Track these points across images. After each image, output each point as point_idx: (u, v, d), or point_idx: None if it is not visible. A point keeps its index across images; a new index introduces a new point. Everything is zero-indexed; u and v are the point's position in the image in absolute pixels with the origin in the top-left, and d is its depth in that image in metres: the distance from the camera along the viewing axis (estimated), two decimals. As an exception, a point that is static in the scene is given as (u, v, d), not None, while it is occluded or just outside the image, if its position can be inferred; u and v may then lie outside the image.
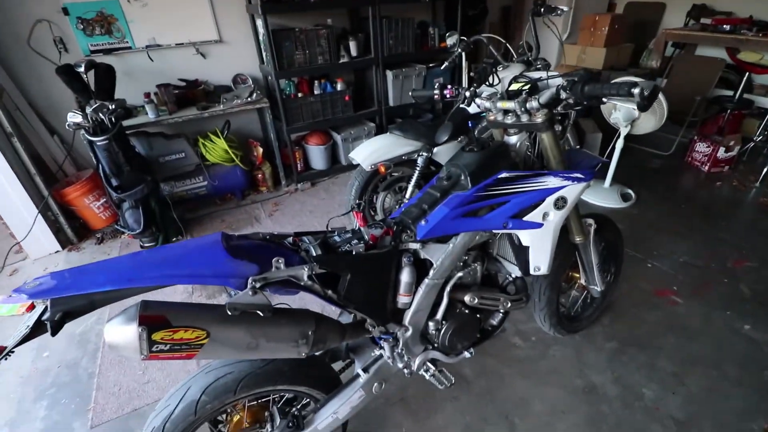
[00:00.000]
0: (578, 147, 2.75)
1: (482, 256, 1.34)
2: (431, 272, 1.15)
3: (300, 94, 3.22)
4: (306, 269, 0.92)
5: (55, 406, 1.72)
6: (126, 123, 2.74)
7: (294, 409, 1.18)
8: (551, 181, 1.17)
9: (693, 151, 3.42)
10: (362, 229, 1.10)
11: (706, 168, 3.31)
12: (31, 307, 0.79)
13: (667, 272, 2.22)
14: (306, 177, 3.53)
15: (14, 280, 2.59)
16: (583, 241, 1.46)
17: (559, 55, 4.51)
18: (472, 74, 2.73)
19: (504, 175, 1.14)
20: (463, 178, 1.14)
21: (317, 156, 3.51)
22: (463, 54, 2.76)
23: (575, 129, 2.90)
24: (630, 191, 2.98)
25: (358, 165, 2.25)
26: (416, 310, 1.16)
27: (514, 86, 1.29)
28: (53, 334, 0.74)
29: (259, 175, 3.38)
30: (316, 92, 3.27)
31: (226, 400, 1.02)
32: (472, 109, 2.35)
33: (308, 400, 1.21)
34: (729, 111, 3.56)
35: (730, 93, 3.62)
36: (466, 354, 1.34)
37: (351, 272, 1.00)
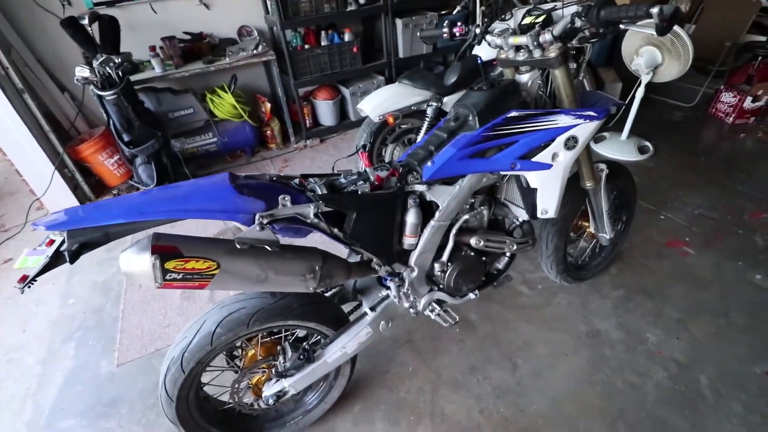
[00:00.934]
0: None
1: (489, 200, 1.33)
2: (437, 214, 1.15)
3: (307, 46, 3.12)
4: (312, 207, 0.93)
5: (83, 347, 1.84)
6: (133, 78, 2.72)
7: (305, 343, 1.24)
8: (562, 120, 1.14)
9: (718, 101, 3.25)
10: (368, 170, 1.10)
11: (731, 119, 3.16)
12: (51, 243, 0.83)
13: (680, 224, 2.18)
14: (315, 133, 3.50)
15: (36, 235, 2.70)
16: (594, 187, 1.44)
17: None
18: (483, 8, 2.57)
19: (513, 114, 1.11)
20: (471, 117, 1.11)
21: (326, 111, 3.46)
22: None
23: (594, 77, 2.76)
24: (648, 144, 2.88)
25: (367, 116, 2.21)
26: (422, 252, 1.18)
27: (527, 20, 1.22)
28: (72, 261, 0.78)
29: (268, 132, 3.37)
30: (323, 44, 3.16)
31: (240, 332, 1.07)
32: (486, 54, 2.26)
33: (318, 336, 1.27)
34: (761, 58, 3.33)
35: (763, 39, 3.37)
36: (471, 296, 1.37)
37: (356, 211, 1.01)
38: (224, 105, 3.03)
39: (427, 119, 2.15)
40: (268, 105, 3.28)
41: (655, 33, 0.89)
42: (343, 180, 1.10)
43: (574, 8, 1.06)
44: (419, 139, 2.20)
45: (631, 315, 1.72)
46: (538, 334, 1.67)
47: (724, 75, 3.38)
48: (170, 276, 0.82)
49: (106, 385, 1.65)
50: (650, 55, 2.52)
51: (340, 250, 1.15)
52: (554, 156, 1.17)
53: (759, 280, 1.82)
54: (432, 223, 1.16)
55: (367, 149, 2.23)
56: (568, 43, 1.12)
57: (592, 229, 1.67)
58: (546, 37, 1.07)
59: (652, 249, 2.04)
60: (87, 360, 1.78)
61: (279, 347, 1.23)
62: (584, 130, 1.16)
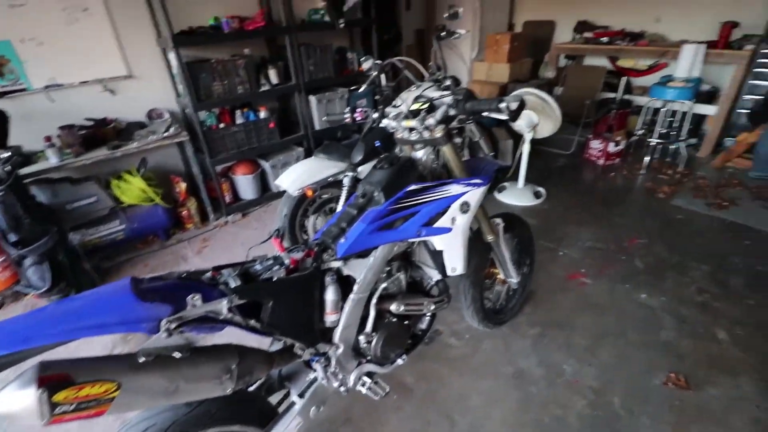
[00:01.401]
0: (492, 154, 3.00)
1: (405, 265, 1.42)
2: (355, 287, 1.20)
3: (222, 125, 3.17)
4: (225, 302, 0.92)
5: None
6: (25, 171, 2.51)
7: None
8: (454, 189, 1.30)
9: (589, 148, 3.88)
10: (282, 254, 1.13)
11: (602, 162, 3.78)
12: None
13: (576, 258, 2.48)
14: (236, 208, 3.45)
15: None
16: (494, 239, 1.61)
17: (469, 72, 4.91)
18: (377, 97, 2.91)
19: (413, 187, 1.24)
20: (376, 194, 1.22)
21: (246, 186, 3.46)
22: (382, 76, 2.93)
23: (489, 137, 3.16)
24: (541, 189, 3.30)
25: (285, 191, 2.27)
26: (345, 326, 1.20)
27: (414, 106, 1.41)
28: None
29: (184, 212, 3.24)
30: (238, 122, 3.23)
31: (154, 454, 0.97)
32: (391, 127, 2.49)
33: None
34: (614, 111, 4.11)
35: (613, 95, 4.19)
36: (400, 361, 1.40)
37: (273, 299, 1.02)
38: (132, 190, 2.89)
39: (345, 188, 2.26)
40: (183, 185, 3.20)
41: (506, 119, 1.10)
42: (258, 267, 1.11)
43: (450, 99, 1.27)
44: (338, 208, 2.30)
45: (548, 349, 1.87)
46: (470, 385, 1.73)
47: (591, 126, 4.08)
48: (60, 409, 0.73)
49: None
50: (528, 117, 2.97)
51: (260, 339, 1.13)
52: (453, 220, 1.31)
53: (644, 299, 2.11)
54: (351, 296, 1.20)
55: (280, 234, 2.27)
56: (449, 124, 1.31)
57: (501, 276, 1.83)
58: (430, 121, 1.26)
59: (556, 284, 2.28)
60: None
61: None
62: (474, 195, 1.33)
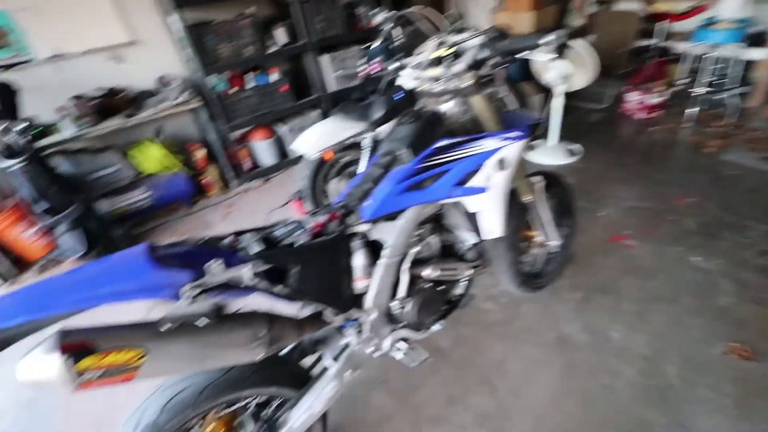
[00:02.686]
0: (520, 108, 2.78)
1: (437, 228, 1.31)
2: (385, 252, 1.10)
3: (233, 90, 3.04)
4: (247, 268, 0.84)
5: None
6: (44, 142, 2.48)
7: (266, 412, 1.11)
8: (488, 144, 1.15)
9: (625, 101, 3.57)
10: (305, 217, 1.04)
11: (641, 116, 3.48)
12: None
13: (617, 219, 2.31)
14: (256, 174, 3.38)
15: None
16: (532, 200, 1.47)
17: (490, 22, 4.55)
18: (396, 43, 2.71)
19: (442, 143, 1.11)
20: (402, 151, 1.10)
21: (264, 152, 3.36)
22: (396, 30, 2.71)
23: (517, 92, 2.92)
24: (576, 147, 3.07)
25: (303, 156, 2.16)
26: (376, 292, 1.12)
27: (438, 53, 1.25)
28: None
29: (206, 179, 3.20)
30: (250, 86, 3.09)
31: (189, 415, 0.94)
32: (410, 83, 2.31)
33: (281, 400, 1.14)
34: (652, 59, 3.75)
35: (649, 42, 3.80)
36: (436, 327, 1.31)
37: (298, 264, 0.94)
38: (151, 158, 2.84)
39: (365, 150, 2.13)
40: (202, 152, 3.13)
41: (550, 58, 0.94)
42: (280, 231, 1.03)
43: (479, 40, 1.10)
44: (359, 171, 2.17)
45: (592, 315, 1.76)
46: (510, 351, 1.65)
47: (626, 77, 3.74)
48: (86, 376, 0.69)
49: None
50: (559, 67, 2.71)
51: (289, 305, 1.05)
52: (488, 179, 1.18)
53: (698, 261, 1.94)
54: (381, 261, 1.11)
55: (301, 196, 2.16)
56: (479, 70, 1.15)
57: (540, 239, 1.70)
58: (458, 67, 1.10)
59: (598, 246, 2.13)
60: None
61: (238, 420, 1.09)
62: (512, 150, 1.19)
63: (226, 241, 0.94)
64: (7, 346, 0.70)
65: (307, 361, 1.28)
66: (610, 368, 1.53)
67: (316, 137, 2.07)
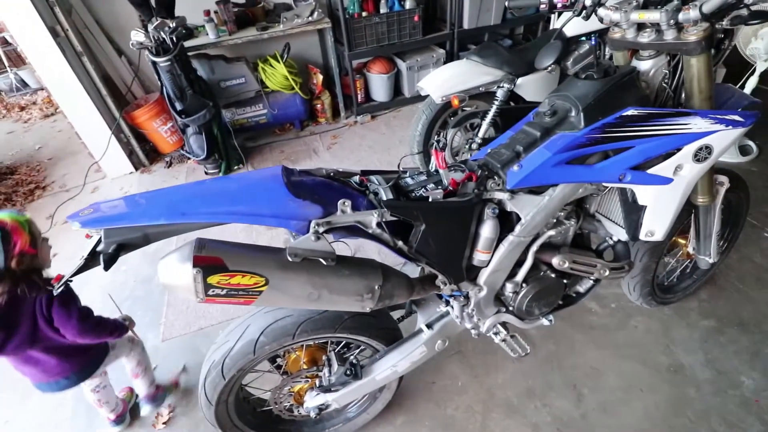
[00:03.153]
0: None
1: (577, 212, 1.11)
2: (518, 228, 0.96)
3: (365, 13, 2.89)
4: (375, 215, 0.79)
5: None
6: (187, 44, 2.65)
7: (352, 356, 1.13)
8: (697, 124, 0.89)
9: None
10: (441, 171, 0.93)
11: None
12: (88, 236, 0.75)
13: (790, 245, 1.84)
14: (366, 109, 3.32)
15: (95, 197, 2.77)
16: (707, 203, 1.17)
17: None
18: None
19: (631, 112, 0.88)
20: (573, 113, 0.90)
21: (379, 86, 3.25)
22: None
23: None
24: (751, 143, 2.45)
25: (427, 96, 2.00)
26: (495, 270, 1.00)
27: None
28: (106, 267, 0.69)
29: (318, 105, 3.23)
30: (382, 11, 2.92)
31: (284, 342, 0.98)
32: (571, 31, 1.94)
33: (366, 348, 1.15)
34: None
35: None
36: (543, 321, 1.18)
37: (426, 222, 0.85)
38: (276, 76, 2.91)
39: (497, 102, 1.89)
40: (320, 77, 3.13)
41: None
42: (410, 180, 0.94)
43: None
44: (484, 124, 1.96)
45: (723, 351, 1.47)
46: (609, 362, 1.47)
47: None
48: (213, 291, 0.72)
49: (151, 359, 1.65)
50: (775, 36, 2.08)
51: (396, 258, 1.00)
52: (677, 169, 0.94)
53: None
54: (510, 237, 0.97)
55: (441, 146, 2.02)
56: (716, 23, 0.86)
57: (690, 249, 1.40)
58: (691, 14, 0.82)
59: (751, 272, 1.73)
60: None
61: (324, 357, 1.12)
62: (723, 138, 0.92)
63: (355, 178, 0.89)
64: (147, 243, 0.75)
65: (396, 314, 1.26)
66: (731, 418, 1.29)
67: (446, 78, 1.89)
